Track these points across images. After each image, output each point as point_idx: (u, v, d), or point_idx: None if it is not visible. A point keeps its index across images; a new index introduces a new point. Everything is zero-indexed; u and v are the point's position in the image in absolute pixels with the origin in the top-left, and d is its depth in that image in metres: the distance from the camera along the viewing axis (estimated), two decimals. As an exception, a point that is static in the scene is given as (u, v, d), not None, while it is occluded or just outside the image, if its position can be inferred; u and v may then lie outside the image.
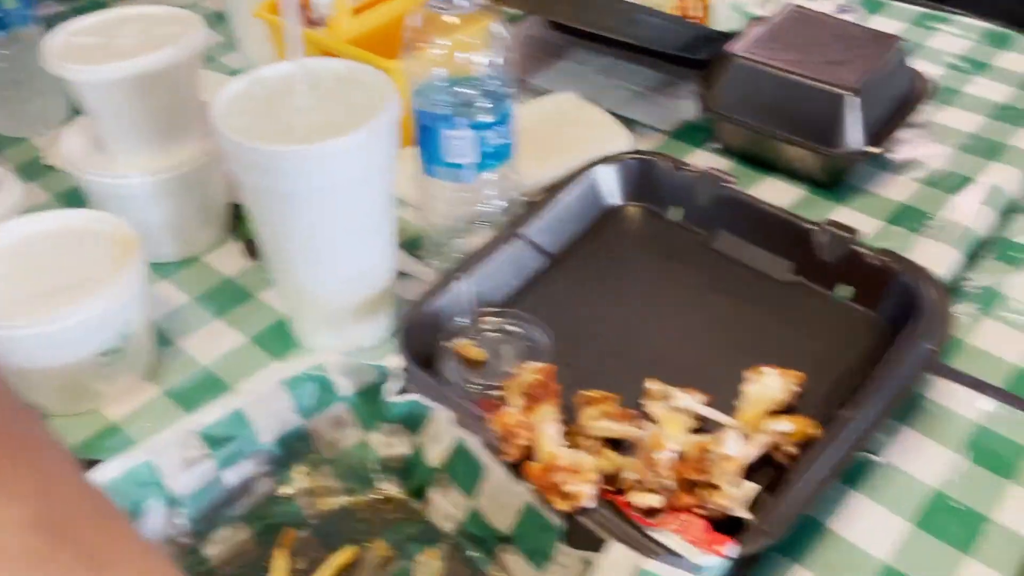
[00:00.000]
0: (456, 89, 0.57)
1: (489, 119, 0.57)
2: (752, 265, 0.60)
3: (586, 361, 0.54)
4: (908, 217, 0.68)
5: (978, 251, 0.65)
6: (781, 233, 0.59)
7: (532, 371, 0.50)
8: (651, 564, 0.41)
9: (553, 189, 0.62)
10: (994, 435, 0.52)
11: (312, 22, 0.78)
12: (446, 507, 0.48)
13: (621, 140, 0.74)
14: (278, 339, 0.61)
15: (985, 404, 0.53)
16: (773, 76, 0.70)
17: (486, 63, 0.56)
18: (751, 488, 0.45)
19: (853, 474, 0.50)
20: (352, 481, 0.50)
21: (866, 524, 0.48)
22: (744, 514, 0.45)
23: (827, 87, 0.68)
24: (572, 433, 0.49)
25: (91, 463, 0.45)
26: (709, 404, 0.50)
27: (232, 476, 0.48)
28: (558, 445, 0.47)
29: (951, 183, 0.71)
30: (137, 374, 0.57)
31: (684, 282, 0.60)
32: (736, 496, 0.44)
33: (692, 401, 0.49)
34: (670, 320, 0.57)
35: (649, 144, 0.77)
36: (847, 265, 0.57)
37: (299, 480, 0.50)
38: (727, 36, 0.75)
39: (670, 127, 0.79)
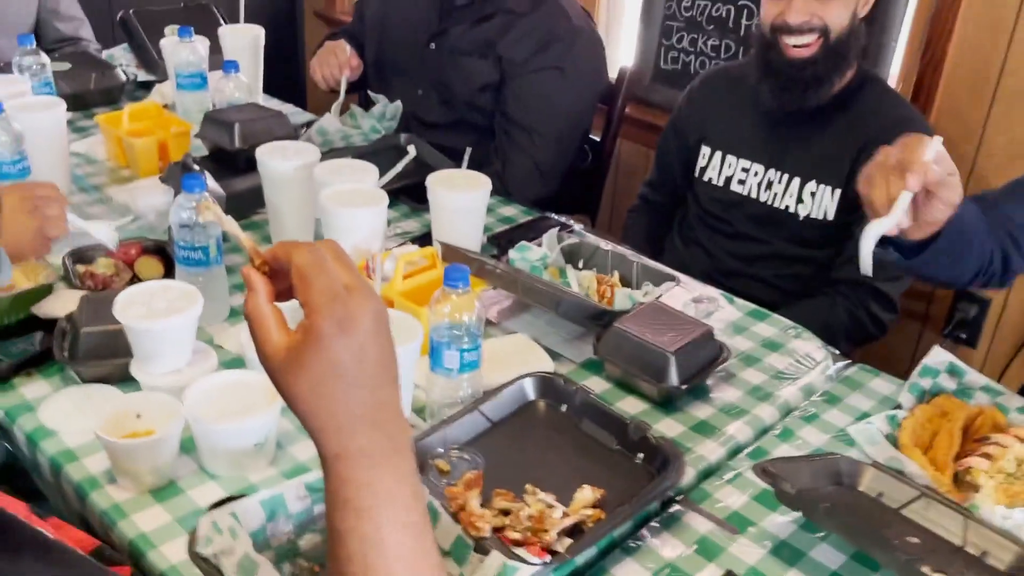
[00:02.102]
0: (452, 330, 1.11)
1: (467, 346, 1.12)
2: (597, 438, 1.12)
3: (500, 476, 1.05)
4: (705, 428, 1.20)
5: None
6: (614, 423, 1.11)
7: (469, 475, 1.01)
8: (509, 561, 0.90)
9: (499, 388, 1.15)
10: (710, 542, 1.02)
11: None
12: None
13: (546, 365, 1.28)
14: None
15: (701, 523, 1.03)
16: (631, 338, 1.24)
17: (469, 318, 1.11)
18: (560, 536, 0.95)
19: (620, 543, 0.99)
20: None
21: (619, 571, 0.97)
22: (559, 548, 0.94)
23: (659, 348, 1.22)
24: (485, 505, 0.99)
25: (237, 497, 0.95)
26: (557, 500, 1.01)
27: (318, 508, 0.98)
28: (476, 507, 0.97)
29: (734, 411, 1.24)
30: (268, 457, 1.08)
31: (559, 443, 1.11)
32: (554, 539, 0.94)
33: (545, 496, 1.00)
34: (548, 460, 1.08)
35: (565, 369, 1.30)
36: (643, 443, 1.08)
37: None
38: (617, 313, 1.31)
39: (580, 360, 1.33)
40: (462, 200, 1.48)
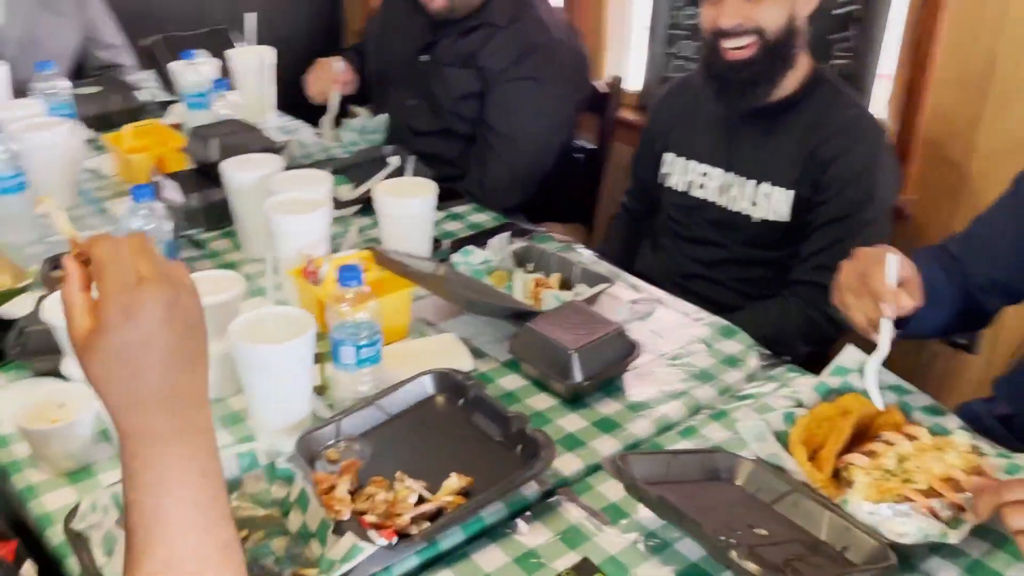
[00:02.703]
0: (348, 327, 1.17)
1: (364, 342, 1.18)
2: (485, 430, 1.16)
3: (382, 466, 1.10)
4: (607, 424, 1.23)
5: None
6: (500, 417, 1.15)
7: (345, 463, 1.07)
8: (359, 541, 0.95)
9: (398, 384, 1.21)
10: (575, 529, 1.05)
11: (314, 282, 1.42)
12: (294, 520, 1.04)
13: (465, 363, 1.33)
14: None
15: (575, 512, 1.06)
16: (543, 337, 1.28)
17: (364, 315, 1.17)
18: (414, 519, 1.00)
19: (490, 530, 1.04)
20: (260, 505, 1.07)
21: (480, 556, 1.01)
22: (412, 531, 0.99)
23: (563, 345, 1.25)
24: (359, 491, 1.05)
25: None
26: (427, 487, 1.05)
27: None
28: (343, 492, 1.02)
29: (641, 408, 1.26)
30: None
31: (449, 435, 1.16)
32: (407, 523, 0.99)
33: (415, 484, 1.05)
34: (432, 451, 1.13)
35: (487, 367, 1.35)
36: (520, 435, 1.12)
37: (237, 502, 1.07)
38: (534, 313, 1.35)
39: (503, 359, 1.37)
40: (406, 207, 1.55)
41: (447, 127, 2.10)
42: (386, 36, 2.23)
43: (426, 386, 1.22)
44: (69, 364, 1.23)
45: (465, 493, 1.06)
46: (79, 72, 2.65)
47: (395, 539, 0.97)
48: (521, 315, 1.35)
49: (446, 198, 1.69)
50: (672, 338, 1.43)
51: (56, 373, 1.29)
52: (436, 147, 2.08)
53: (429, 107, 2.12)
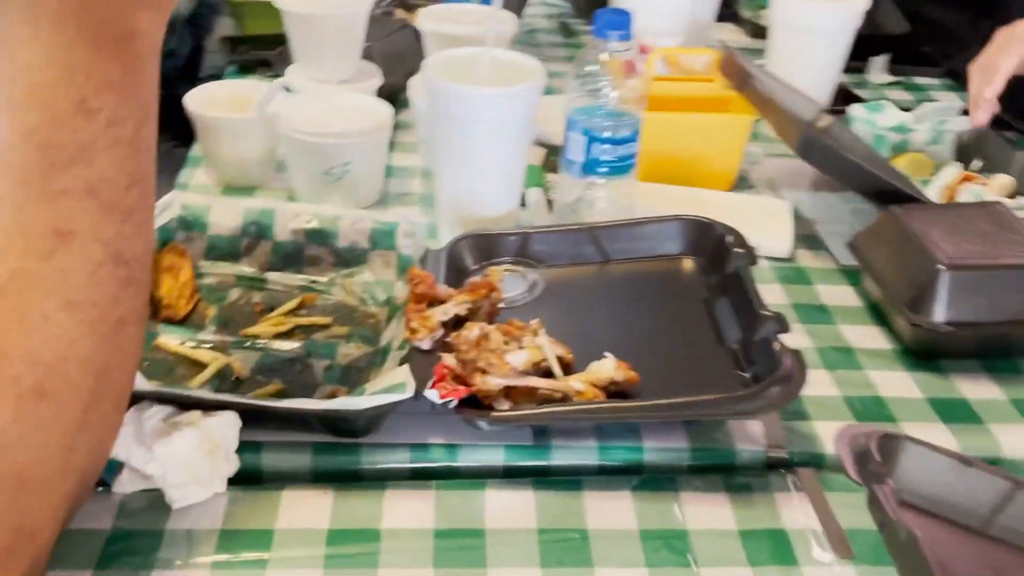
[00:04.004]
0: (589, 104, 0.77)
1: (605, 134, 0.76)
2: (719, 324, 0.69)
3: (554, 319, 0.69)
4: (956, 411, 0.68)
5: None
6: (749, 314, 0.66)
7: (478, 280, 0.69)
8: (408, 382, 0.59)
9: (639, 220, 0.78)
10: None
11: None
12: (390, 331, 0.70)
13: (779, 243, 0.85)
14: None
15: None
16: (908, 234, 0.74)
17: (618, 92, 0.75)
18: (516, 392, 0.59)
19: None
20: (370, 298, 0.75)
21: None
22: (502, 406, 0.59)
23: (930, 255, 0.70)
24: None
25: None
26: (566, 360, 0.64)
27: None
28: (439, 316, 0.65)
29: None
30: (344, 192, 0.88)
31: (664, 312, 0.71)
32: (494, 391, 0.59)
33: (548, 344, 0.63)
34: (628, 325, 0.70)
35: (813, 262, 0.85)
36: (762, 349, 0.63)
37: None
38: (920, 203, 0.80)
39: (842, 261, 0.85)
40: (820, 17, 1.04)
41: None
42: None
43: (675, 237, 0.77)
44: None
45: (619, 394, 0.62)
46: None
47: (452, 401, 0.58)
48: (899, 201, 0.81)
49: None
50: None
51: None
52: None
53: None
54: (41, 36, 0.37)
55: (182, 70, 1.31)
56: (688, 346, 0.67)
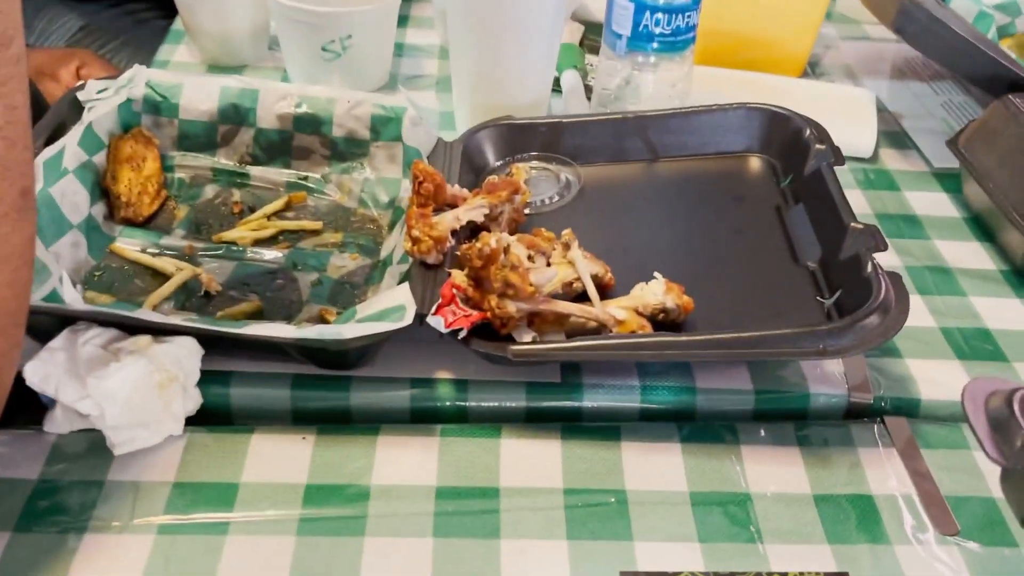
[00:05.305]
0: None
1: (658, 1, 0.62)
2: (794, 238, 0.56)
3: (590, 228, 0.57)
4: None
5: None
6: (833, 225, 0.54)
7: (498, 179, 0.56)
8: (407, 305, 0.47)
9: (699, 108, 0.64)
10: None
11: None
12: (391, 241, 0.58)
13: (863, 139, 0.71)
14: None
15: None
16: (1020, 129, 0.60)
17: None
18: (540, 318, 0.48)
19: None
20: (372, 201, 0.63)
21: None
22: (524, 336, 0.47)
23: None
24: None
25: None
26: (604, 279, 0.52)
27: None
28: (445, 222, 0.53)
29: None
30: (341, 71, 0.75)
31: (729, 223, 0.58)
32: (515, 316, 0.47)
33: (582, 261, 0.51)
34: (681, 233, 0.57)
35: (905, 167, 0.71)
36: (851, 268, 0.50)
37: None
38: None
39: (936, 164, 0.71)
40: None
41: None
42: None
43: (740, 129, 0.63)
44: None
45: (669, 325, 0.50)
46: None
47: (461, 330, 0.47)
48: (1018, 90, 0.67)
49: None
50: None
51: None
52: None
53: None
54: None
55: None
56: (755, 265, 0.55)
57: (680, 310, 0.49)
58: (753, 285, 0.53)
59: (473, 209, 0.54)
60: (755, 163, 0.63)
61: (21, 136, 0.34)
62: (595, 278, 0.51)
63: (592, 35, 0.83)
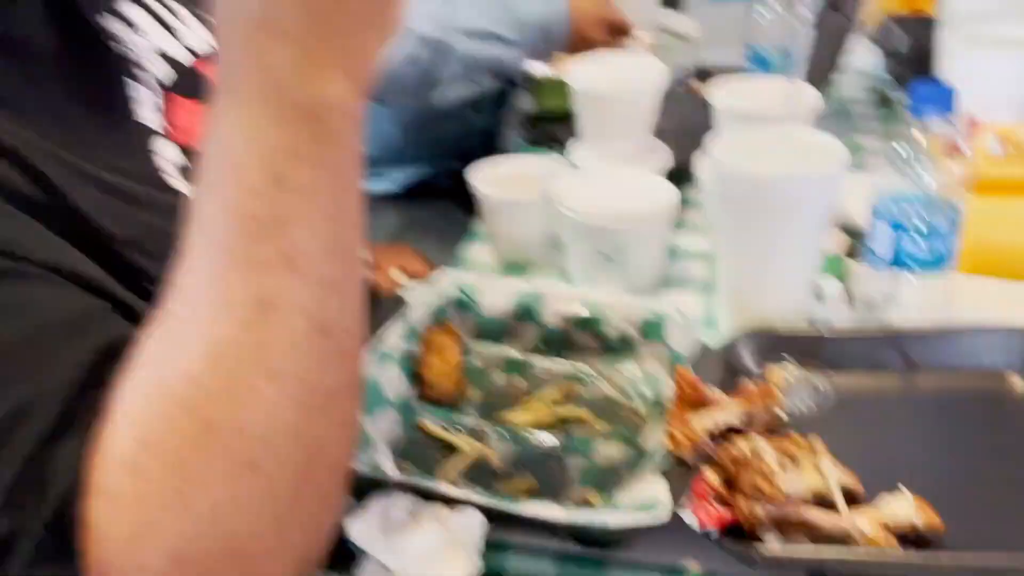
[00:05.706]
0: (907, 204, 0.67)
1: (916, 228, 0.66)
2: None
3: (845, 446, 0.60)
4: None
5: None
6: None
7: (752, 388, 0.62)
8: (661, 498, 0.53)
9: (960, 329, 0.66)
10: None
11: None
12: (653, 432, 0.65)
13: None
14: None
15: None
16: None
17: (934, 179, 0.65)
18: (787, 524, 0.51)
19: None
20: (638, 395, 0.70)
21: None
22: (767, 541, 0.51)
23: None
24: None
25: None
26: (854, 492, 0.54)
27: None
28: (705, 425, 0.59)
29: None
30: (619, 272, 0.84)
31: (990, 451, 0.59)
32: (759, 519, 0.51)
33: (831, 468, 0.55)
34: (933, 453, 0.58)
35: None
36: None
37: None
38: None
39: None
40: None
41: None
42: None
43: (1003, 348, 0.64)
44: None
45: (915, 542, 0.52)
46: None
47: (712, 532, 0.52)
48: None
49: None
50: None
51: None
52: None
53: None
54: (240, 119, 0.38)
55: (484, 146, 1.36)
56: (1015, 489, 0.55)
57: (928, 529, 0.51)
58: (1011, 509, 0.54)
59: (729, 413, 0.59)
60: (1020, 383, 0.63)
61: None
62: (843, 488, 0.54)
63: (856, 241, 0.87)
